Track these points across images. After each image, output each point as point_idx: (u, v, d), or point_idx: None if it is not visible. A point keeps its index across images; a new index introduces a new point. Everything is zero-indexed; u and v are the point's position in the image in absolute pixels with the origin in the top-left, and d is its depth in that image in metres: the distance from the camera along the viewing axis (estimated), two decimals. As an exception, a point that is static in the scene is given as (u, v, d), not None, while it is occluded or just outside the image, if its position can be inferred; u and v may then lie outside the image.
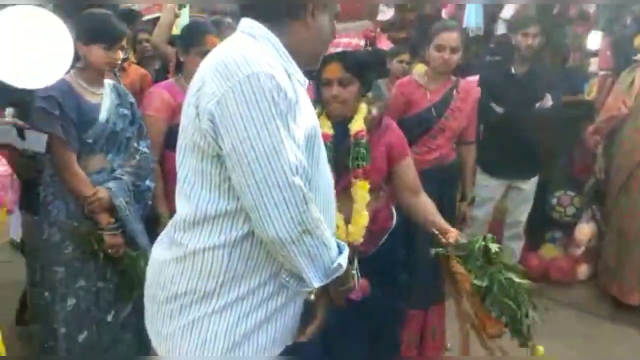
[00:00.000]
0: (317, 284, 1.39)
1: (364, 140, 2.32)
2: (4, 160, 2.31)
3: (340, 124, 2.37)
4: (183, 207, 1.45)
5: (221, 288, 1.40)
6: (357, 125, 2.35)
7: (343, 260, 1.44)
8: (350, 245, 1.93)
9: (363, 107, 2.39)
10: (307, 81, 1.53)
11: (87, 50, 2.47)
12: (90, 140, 2.52)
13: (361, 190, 2.31)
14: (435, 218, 2.23)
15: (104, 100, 2.58)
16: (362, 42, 2.58)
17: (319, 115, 2.21)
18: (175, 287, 1.43)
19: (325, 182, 1.53)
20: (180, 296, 1.42)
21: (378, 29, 5.91)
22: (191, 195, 1.42)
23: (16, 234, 3.88)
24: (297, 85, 1.46)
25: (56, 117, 2.40)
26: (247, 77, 1.32)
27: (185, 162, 1.45)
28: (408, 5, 5.65)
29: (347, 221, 2.31)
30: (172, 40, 3.59)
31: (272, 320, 1.45)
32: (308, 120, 1.45)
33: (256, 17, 1.50)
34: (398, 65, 4.24)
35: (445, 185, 3.23)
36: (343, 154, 2.32)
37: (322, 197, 1.49)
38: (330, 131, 2.34)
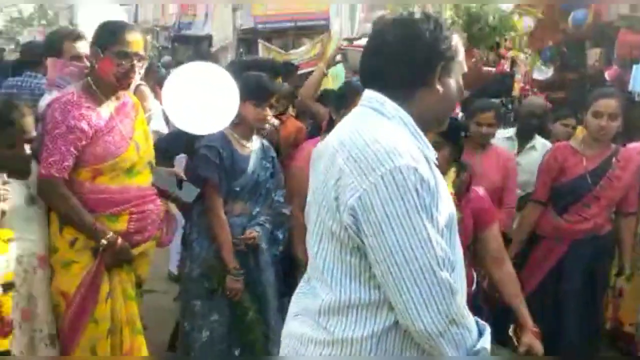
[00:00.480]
0: None
1: None
2: (160, 200, 2.61)
3: None
4: (324, 291, 1.44)
5: None
6: None
7: (487, 343, 1.43)
8: None
9: (452, 171, 2.38)
10: (436, 154, 1.50)
11: (241, 106, 2.72)
12: (237, 189, 2.79)
13: None
14: (516, 303, 2.24)
15: (252, 153, 2.84)
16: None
17: None
18: None
19: (460, 261, 1.50)
20: None
21: (535, 88, 5.80)
22: (332, 282, 1.41)
23: (175, 266, 4.27)
24: (434, 167, 1.43)
25: (215, 165, 2.70)
26: (389, 171, 1.30)
27: (323, 247, 1.44)
28: (568, 65, 5.48)
29: None
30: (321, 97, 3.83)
31: None
32: (447, 204, 1.43)
33: (382, 88, 1.46)
34: (562, 129, 3.96)
35: (599, 257, 3.09)
36: None
37: (459, 277, 1.46)
38: None
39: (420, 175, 1.31)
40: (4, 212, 2.07)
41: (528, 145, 3.69)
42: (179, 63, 7.59)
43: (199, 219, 2.84)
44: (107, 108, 2.42)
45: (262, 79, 2.84)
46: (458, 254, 1.48)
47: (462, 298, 1.39)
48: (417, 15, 1.47)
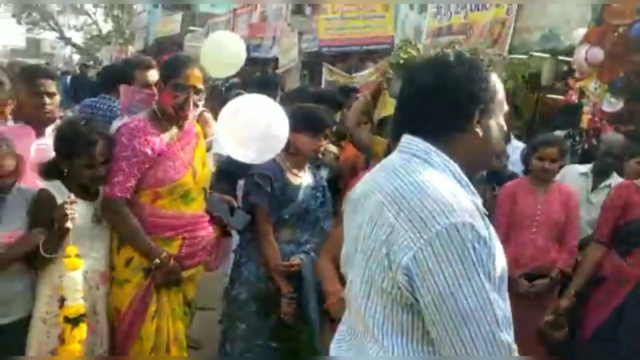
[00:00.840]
0: None
1: None
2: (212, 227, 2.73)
3: None
4: (374, 347, 1.38)
5: None
6: None
7: None
8: None
9: None
10: (482, 201, 1.42)
11: (295, 137, 2.83)
12: (286, 216, 2.87)
13: None
14: None
15: (303, 183, 2.92)
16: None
17: None
18: None
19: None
20: None
21: (604, 120, 5.62)
22: (383, 339, 1.36)
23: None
24: (486, 218, 1.36)
25: (265, 193, 2.80)
26: (445, 229, 1.25)
27: (372, 302, 1.38)
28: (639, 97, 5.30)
29: None
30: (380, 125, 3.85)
31: None
32: (501, 257, 1.37)
33: (421, 134, 1.42)
34: (636, 167, 3.71)
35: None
36: None
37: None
38: None
39: (476, 233, 1.27)
40: (69, 230, 2.20)
41: (603, 184, 3.60)
42: (245, 84, 7.82)
43: (249, 244, 2.94)
44: (170, 135, 2.57)
45: (318, 112, 2.95)
46: (508, 309, 1.43)
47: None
48: (451, 57, 1.44)
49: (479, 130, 1.42)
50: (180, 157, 2.58)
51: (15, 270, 2.29)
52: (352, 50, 10.49)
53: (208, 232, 2.69)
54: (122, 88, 3.12)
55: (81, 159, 2.35)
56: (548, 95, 7.07)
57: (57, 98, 2.80)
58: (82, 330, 2.21)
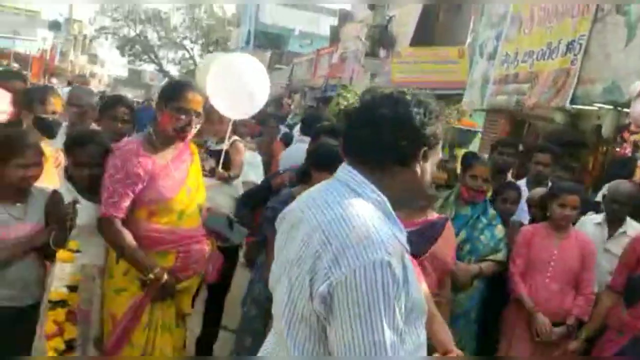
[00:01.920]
0: None
1: None
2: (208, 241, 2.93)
3: None
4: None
5: None
6: None
7: None
8: None
9: None
10: (405, 235, 1.51)
11: (315, 173, 2.94)
12: None
13: None
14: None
15: None
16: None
17: None
18: None
19: (422, 339, 1.55)
20: None
21: None
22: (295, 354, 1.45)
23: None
24: (405, 254, 1.44)
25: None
26: (363, 266, 1.33)
27: (294, 327, 1.45)
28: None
29: None
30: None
31: None
32: (416, 293, 1.45)
33: (362, 161, 1.50)
34: None
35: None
36: None
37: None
38: None
39: (392, 272, 1.34)
40: (72, 228, 2.50)
41: (618, 231, 3.56)
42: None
43: (262, 265, 3.14)
44: (164, 156, 2.74)
45: (331, 149, 3.01)
46: (422, 335, 1.54)
47: None
48: (409, 97, 1.51)
49: (418, 169, 1.52)
50: (174, 176, 2.75)
51: (33, 258, 2.60)
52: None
53: (203, 245, 2.85)
54: None
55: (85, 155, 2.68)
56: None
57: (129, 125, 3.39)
58: (59, 313, 2.46)
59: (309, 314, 1.41)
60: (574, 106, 6.36)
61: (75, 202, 2.53)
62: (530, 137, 8.25)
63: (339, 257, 1.35)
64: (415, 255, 2.91)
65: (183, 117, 2.70)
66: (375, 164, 1.50)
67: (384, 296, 1.33)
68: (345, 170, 1.54)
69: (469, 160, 3.75)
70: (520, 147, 6.58)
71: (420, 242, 3.00)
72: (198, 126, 2.77)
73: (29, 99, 3.26)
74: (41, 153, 2.62)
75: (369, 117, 1.51)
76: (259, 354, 1.67)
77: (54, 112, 3.21)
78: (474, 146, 8.77)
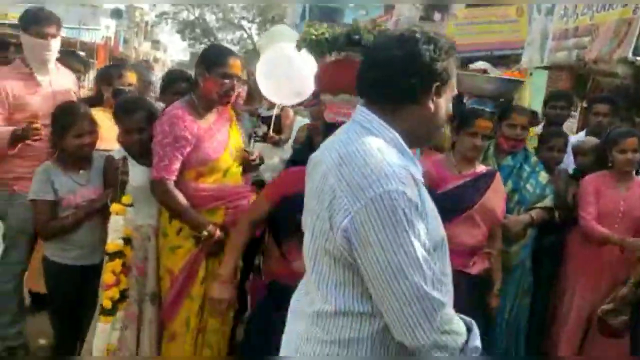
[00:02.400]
0: None
1: None
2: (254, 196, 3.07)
3: None
4: (320, 301, 1.57)
5: None
6: None
7: (477, 341, 1.56)
8: None
9: None
10: (422, 171, 1.57)
11: None
12: None
13: None
14: None
15: None
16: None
17: None
18: None
19: (448, 270, 1.64)
20: None
21: None
22: (327, 294, 1.54)
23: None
24: (421, 186, 1.51)
25: None
26: (379, 195, 1.40)
27: (318, 262, 1.56)
28: None
29: None
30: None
31: None
32: (436, 225, 1.55)
33: (376, 100, 1.58)
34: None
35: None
36: None
37: (448, 292, 1.60)
38: None
39: (408, 199, 1.41)
40: (125, 183, 2.71)
41: None
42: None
43: None
44: (207, 119, 2.91)
45: None
46: (448, 267, 1.64)
47: (450, 309, 1.53)
48: (418, 35, 1.57)
49: (431, 105, 1.57)
50: (217, 138, 2.94)
51: (96, 221, 2.87)
52: (481, 55, 10.45)
53: (249, 200, 3.05)
54: None
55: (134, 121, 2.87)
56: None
57: None
58: (117, 264, 2.69)
59: (332, 247, 1.49)
60: (637, 57, 6.16)
61: (125, 158, 2.76)
62: (594, 94, 8.01)
63: (355, 191, 1.42)
64: (464, 207, 3.02)
65: (227, 81, 2.84)
66: (387, 102, 1.57)
67: (406, 218, 1.41)
68: (359, 111, 1.61)
69: (506, 109, 3.73)
70: (584, 103, 6.43)
71: (469, 194, 3.09)
72: (240, 90, 2.92)
73: (108, 75, 3.64)
74: (94, 122, 2.89)
75: (380, 57, 1.58)
76: (292, 301, 1.77)
77: (129, 85, 3.51)
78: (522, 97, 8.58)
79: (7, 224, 3.44)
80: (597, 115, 4.38)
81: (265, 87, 3.82)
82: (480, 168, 3.23)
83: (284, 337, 1.74)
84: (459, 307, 2.77)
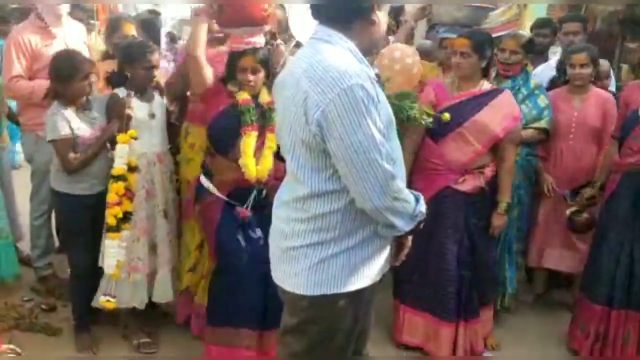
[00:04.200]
0: (407, 229, 1.96)
1: None
2: None
3: None
4: (299, 186, 1.93)
5: (337, 238, 1.93)
6: None
7: (422, 207, 1.98)
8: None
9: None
10: (376, 71, 2.00)
11: None
12: None
13: None
14: None
15: None
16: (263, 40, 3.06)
17: None
18: (301, 239, 1.95)
19: (398, 152, 2.00)
20: (307, 246, 1.94)
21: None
22: (304, 179, 1.90)
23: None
24: (375, 83, 1.86)
25: None
26: (343, 90, 1.74)
27: (296, 154, 1.91)
28: None
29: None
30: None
31: (373, 257, 2.00)
32: (387, 112, 1.93)
33: (328, 21, 1.89)
34: None
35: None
36: None
37: (399, 167, 1.97)
38: None
39: (366, 91, 1.77)
40: (130, 117, 3.16)
41: None
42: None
43: None
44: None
45: None
46: (397, 149, 2.01)
47: (401, 181, 1.92)
48: None
49: (375, 18, 1.93)
50: None
51: (105, 153, 3.27)
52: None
53: None
54: None
55: (140, 64, 3.26)
56: None
57: None
58: (120, 186, 3.11)
59: (307, 138, 1.84)
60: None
61: (129, 95, 3.21)
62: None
63: (324, 89, 1.76)
64: (453, 126, 3.25)
65: None
66: (339, 21, 1.90)
67: (365, 107, 1.76)
68: (318, 29, 1.94)
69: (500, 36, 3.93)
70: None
71: (458, 113, 3.30)
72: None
73: (110, 29, 4.06)
74: (92, 65, 3.34)
75: None
76: (277, 195, 2.15)
77: (131, 36, 3.84)
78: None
79: (35, 165, 3.95)
80: (568, 35, 4.59)
81: None
82: (483, 87, 3.37)
83: (270, 233, 2.14)
84: (450, 221, 3.34)
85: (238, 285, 2.98)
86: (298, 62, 1.92)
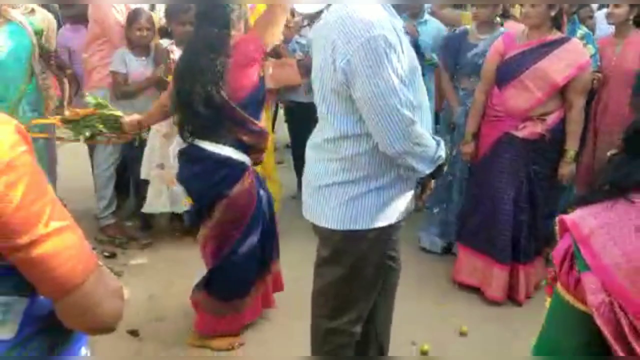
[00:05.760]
0: (428, 172, 2.10)
1: None
2: None
3: None
4: (330, 129, 2.07)
5: (366, 178, 2.08)
6: None
7: (442, 152, 2.11)
8: None
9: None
10: (403, 23, 2.03)
11: None
12: None
13: None
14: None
15: None
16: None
17: None
18: (333, 177, 2.10)
19: (425, 100, 2.13)
20: (339, 184, 2.09)
21: None
22: (334, 122, 2.05)
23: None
24: (401, 33, 1.96)
25: None
26: (367, 40, 1.84)
27: (327, 100, 2.05)
28: None
29: None
30: None
31: (399, 197, 2.14)
32: (409, 59, 2.00)
33: None
34: None
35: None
36: None
37: (421, 111, 2.08)
38: None
39: (388, 42, 1.87)
40: (172, 63, 3.69)
41: None
42: None
43: None
44: None
45: None
46: (423, 95, 2.13)
47: (422, 127, 2.03)
48: None
49: None
50: None
51: (153, 92, 4.13)
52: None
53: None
54: None
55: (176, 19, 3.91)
56: None
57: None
58: None
59: (336, 85, 1.98)
60: None
61: (171, 44, 3.89)
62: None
63: (350, 39, 1.88)
64: (514, 74, 3.35)
65: None
66: None
67: (387, 57, 1.88)
68: None
69: None
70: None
71: (520, 61, 3.37)
72: None
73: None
74: (152, 23, 4.12)
75: None
76: (309, 139, 2.28)
77: None
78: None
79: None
80: None
81: None
82: (552, 36, 3.37)
83: (304, 175, 2.30)
84: (508, 166, 3.51)
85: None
86: (331, 14, 2.02)
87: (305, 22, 4.74)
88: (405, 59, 1.97)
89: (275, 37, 2.94)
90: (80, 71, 4.38)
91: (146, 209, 4.26)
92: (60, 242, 1.00)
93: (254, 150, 2.93)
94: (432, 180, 2.31)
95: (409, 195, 2.19)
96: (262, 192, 3.04)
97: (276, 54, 4.43)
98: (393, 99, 1.90)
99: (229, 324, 3.09)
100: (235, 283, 3.01)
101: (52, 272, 1.00)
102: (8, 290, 1.06)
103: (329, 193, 2.12)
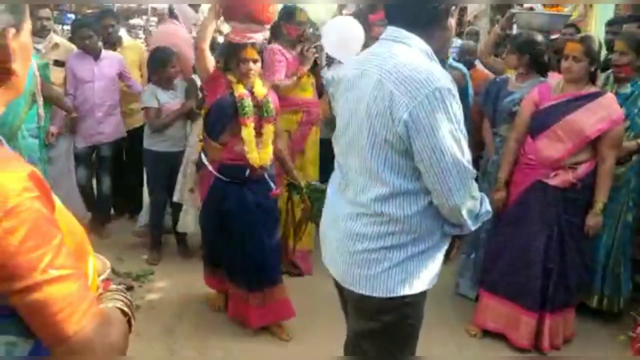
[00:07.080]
0: (474, 228, 2.05)
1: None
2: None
3: None
4: (377, 185, 1.96)
5: (414, 241, 1.99)
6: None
7: (489, 206, 2.06)
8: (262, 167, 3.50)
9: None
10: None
11: None
12: None
13: None
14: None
15: None
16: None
17: None
18: (381, 241, 1.99)
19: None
20: (387, 248, 1.99)
21: None
22: (385, 178, 1.94)
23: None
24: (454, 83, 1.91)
25: None
26: (432, 92, 1.80)
27: (376, 153, 1.94)
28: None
29: None
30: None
31: (439, 258, 2.10)
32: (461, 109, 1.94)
33: (406, 23, 1.95)
34: None
35: None
36: None
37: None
38: None
39: (452, 94, 1.85)
40: (205, 97, 3.99)
41: None
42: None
43: None
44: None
45: None
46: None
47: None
48: None
49: (449, 24, 2.01)
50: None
51: (183, 121, 4.77)
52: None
53: (318, 109, 4.75)
54: None
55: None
56: None
57: None
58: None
59: (391, 137, 1.89)
60: None
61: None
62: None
63: (412, 91, 1.82)
64: (547, 124, 3.45)
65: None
66: (417, 24, 1.96)
67: (451, 110, 1.84)
68: (390, 30, 2.01)
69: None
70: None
71: (555, 113, 3.47)
72: None
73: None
74: (178, 58, 4.65)
75: None
76: (330, 197, 2.26)
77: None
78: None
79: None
80: None
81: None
82: (587, 90, 3.46)
83: (331, 236, 2.17)
84: (539, 214, 3.53)
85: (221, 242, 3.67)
86: (372, 62, 1.98)
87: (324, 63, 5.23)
88: (460, 110, 1.92)
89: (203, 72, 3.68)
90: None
91: (179, 228, 4.84)
92: (56, 290, 1.00)
93: None
94: (462, 240, 2.28)
95: (442, 255, 2.14)
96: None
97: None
98: (457, 151, 1.87)
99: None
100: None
101: (46, 319, 1.01)
102: (11, 331, 1.07)
103: (371, 258, 2.01)
